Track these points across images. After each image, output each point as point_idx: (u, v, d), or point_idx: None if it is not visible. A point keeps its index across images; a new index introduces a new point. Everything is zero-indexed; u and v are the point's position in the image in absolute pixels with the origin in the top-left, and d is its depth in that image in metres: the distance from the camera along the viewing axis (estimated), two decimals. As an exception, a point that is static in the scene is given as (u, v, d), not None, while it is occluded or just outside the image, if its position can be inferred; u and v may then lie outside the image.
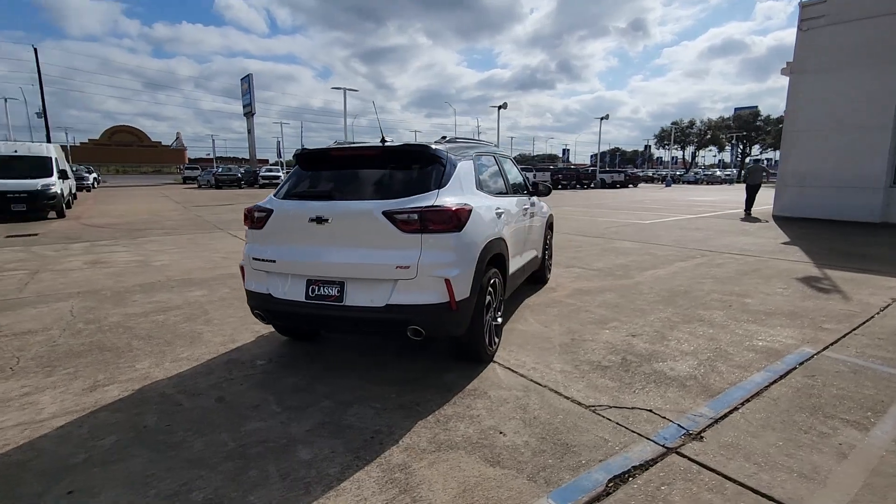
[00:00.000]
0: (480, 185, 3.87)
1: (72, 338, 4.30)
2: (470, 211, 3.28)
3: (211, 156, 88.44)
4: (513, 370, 3.52)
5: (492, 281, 3.60)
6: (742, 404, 2.97)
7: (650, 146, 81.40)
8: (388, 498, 2.14)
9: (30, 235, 11.18)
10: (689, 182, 54.70)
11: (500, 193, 4.34)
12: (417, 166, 3.38)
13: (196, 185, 40.11)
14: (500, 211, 3.88)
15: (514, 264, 4.35)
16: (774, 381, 3.28)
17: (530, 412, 2.90)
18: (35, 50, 43.31)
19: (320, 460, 2.43)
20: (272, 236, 3.39)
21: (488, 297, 3.53)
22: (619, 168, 61.34)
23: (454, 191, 3.36)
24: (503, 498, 2.14)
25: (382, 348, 3.96)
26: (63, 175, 16.38)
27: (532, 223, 5.14)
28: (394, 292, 3.06)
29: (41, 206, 14.67)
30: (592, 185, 38.56)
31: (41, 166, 15.58)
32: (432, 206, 3.07)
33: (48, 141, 50.07)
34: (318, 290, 3.21)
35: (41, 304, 5.38)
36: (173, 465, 2.40)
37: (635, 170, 64.96)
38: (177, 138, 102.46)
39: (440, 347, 3.93)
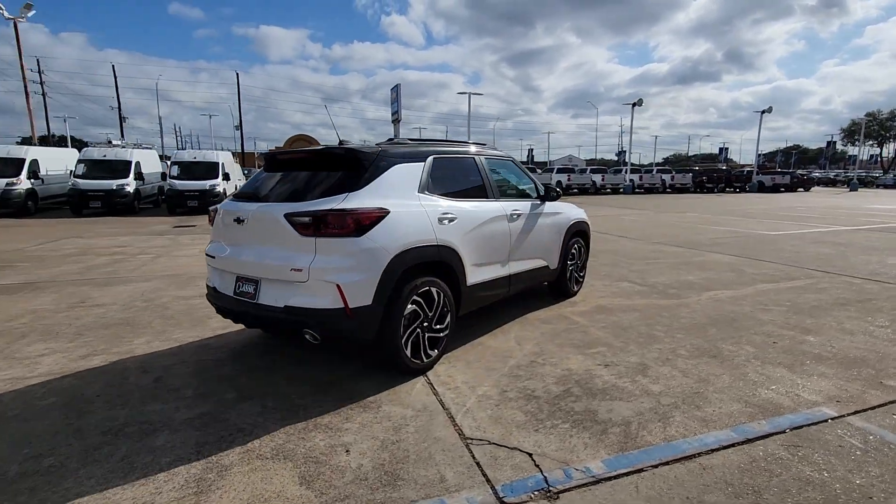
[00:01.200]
0: (431, 188, 3.66)
1: (120, 312, 5.14)
2: (379, 216, 3.13)
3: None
4: (433, 386, 3.28)
5: (423, 290, 3.39)
6: (655, 466, 2.36)
7: (834, 143, 67.18)
8: (179, 497, 2.17)
9: (189, 226, 13.57)
10: (886, 185, 44.25)
11: (470, 197, 4.07)
12: (340, 169, 3.34)
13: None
14: (449, 216, 3.63)
15: (483, 274, 4.03)
16: (730, 445, 2.53)
17: (400, 434, 2.68)
18: (237, 74, 52.66)
19: (165, 448, 2.56)
20: (216, 234, 3.65)
21: (411, 307, 3.33)
22: (789, 169, 52.16)
23: (376, 194, 3.25)
24: (275, 519, 2.03)
25: (335, 348, 3.98)
26: (226, 177, 19.59)
27: (534, 230, 4.69)
28: (291, 295, 3.08)
29: (209, 202, 17.78)
30: (747, 189, 33.48)
31: (212, 170, 18.90)
32: (327, 210, 3.01)
33: (242, 149, 60.03)
34: (241, 286, 3.37)
35: (132, 283, 6.50)
36: (62, 430, 2.75)
37: (817, 171, 54.60)
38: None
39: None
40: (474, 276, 3.92)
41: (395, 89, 54.47)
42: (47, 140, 38.59)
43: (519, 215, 4.49)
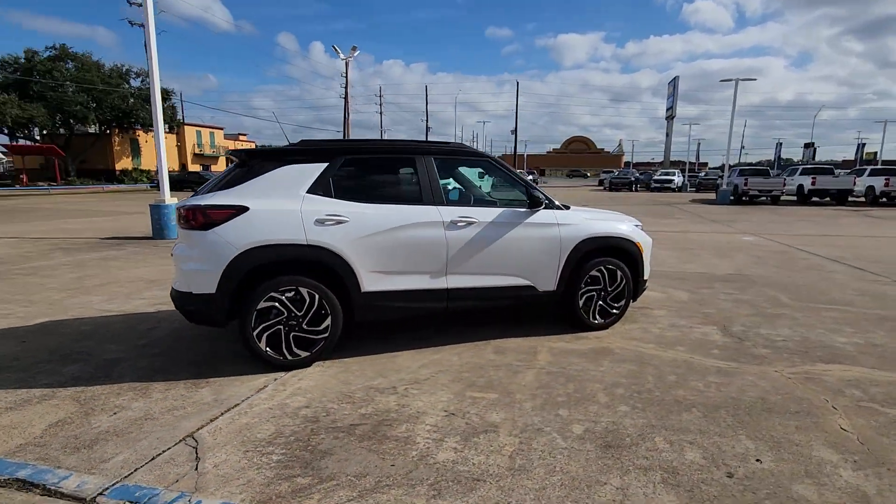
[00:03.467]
0: (329, 189, 3.60)
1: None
2: (231, 213, 3.32)
3: (657, 159, 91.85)
4: (273, 383, 3.29)
5: (288, 288, 3.41)
6: (248, 533, 1.91)
7: None
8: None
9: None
10: None
11: (392, 200, 3.78)
12: (239, 168, 3.64)
13: (602, 188, 43.03)
14: (335, 218, 3.50)
15: (394, 284, 3.69)
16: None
17: (162, 416, 2.86)
18: (517, 83, 57.90)
19: (61, 374, 3.43)
20: None
21: (269, 303, 3.39)
22: None
23: (247, 192, 3.45)
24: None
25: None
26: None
27: (501, 242, 3.94)
28: (175, 278, 3.60)
29: None
30: None
31: None
32: (189, 205, 3.37)
33: (515, 152, 65.40)
34: (183, 267, 4.07)
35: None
36: (51, 347, 3.97)
37: None
38: (618, 144, 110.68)
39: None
40: (377, 283, 3.65)
41: (672, 83, 49.52)
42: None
43: (470, 223, 3.86)
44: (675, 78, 47.11)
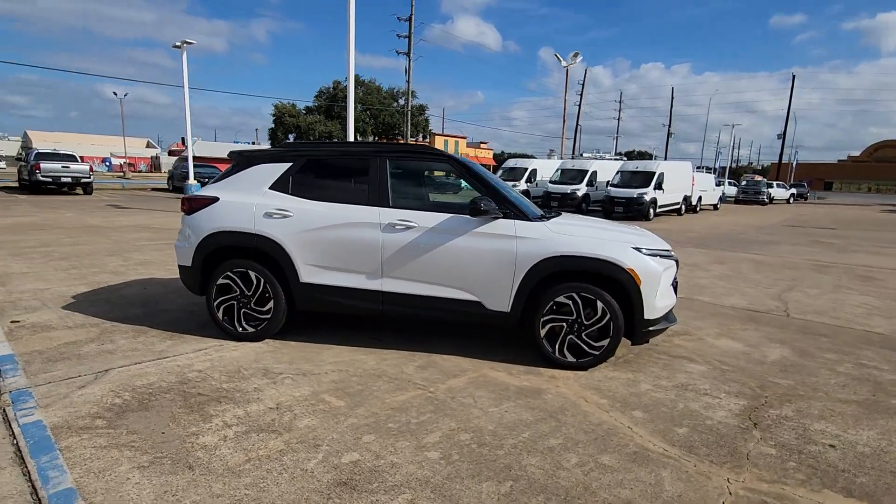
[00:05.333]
0: (288, 187, 3.94)
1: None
2: (207, 202, 3.98)
3: None
4: (214, 347, 3.83)
5: (239, 269, 3.91)
6: None
7: None
8: (37, 325, 4.27)
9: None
10: None
11: (340, 199, 3.89)
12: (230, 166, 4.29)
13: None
14: (282, 212, 3.83)
15: (330, 279, 3.82)
16: None
17: (112, 352, 3.69)
18: (793, 77, 48.53)
19: (121, 313, 4.69)
20: None
21: (225, 281, 3.93)
22: None
23: (225, 186, 4.09)
24: None
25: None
26: (658, 187, 19.67)
27: (444, 249, 3.62)
28: None
29: (635, 210, 18.78)
30: None
31: (647, 180, 19.69)
32: (184, 195, 4.16)
33: (780, 160, 54.57)
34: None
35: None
36: (134, 295, 5.38)
37: None
38: (966, 152, 78.99)
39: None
40: (314, 276, 3.84)
41: None
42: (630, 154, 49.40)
43: (409, 227, 3.67)
44: None
